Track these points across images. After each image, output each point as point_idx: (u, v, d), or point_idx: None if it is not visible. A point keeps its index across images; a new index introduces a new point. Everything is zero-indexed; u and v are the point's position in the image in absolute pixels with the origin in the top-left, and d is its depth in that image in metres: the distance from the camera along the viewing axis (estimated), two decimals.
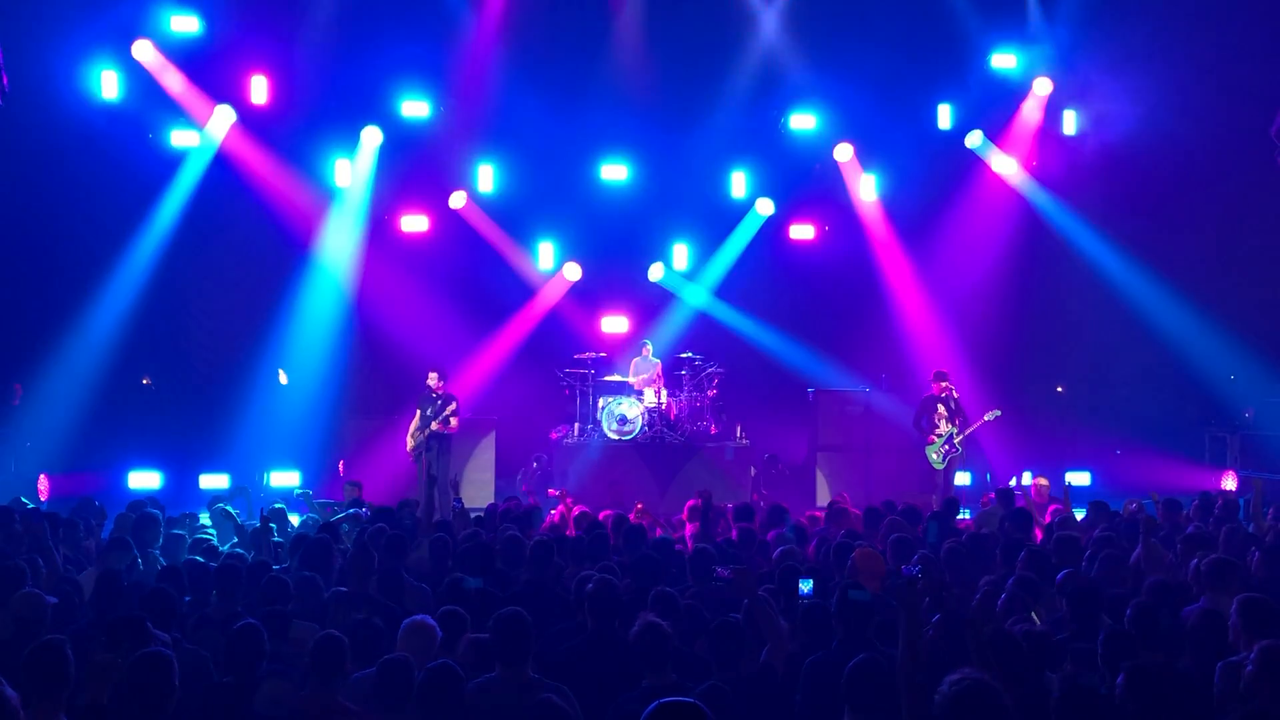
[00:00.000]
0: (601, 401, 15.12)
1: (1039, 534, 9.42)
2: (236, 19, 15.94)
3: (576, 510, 10.34)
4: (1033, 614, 6.13)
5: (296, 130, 16.21)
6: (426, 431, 13.65)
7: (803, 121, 17.27)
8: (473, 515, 9.83)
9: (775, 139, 17.46)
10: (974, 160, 17.37)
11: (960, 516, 11.04)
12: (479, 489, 14.61)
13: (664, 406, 15.17)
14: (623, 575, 6.90)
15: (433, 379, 13.83)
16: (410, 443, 13.85)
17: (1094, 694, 4.57)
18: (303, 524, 10.29)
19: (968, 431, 14.29)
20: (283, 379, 15.26)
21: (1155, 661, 4.95)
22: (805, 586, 6.26)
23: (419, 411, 13.86)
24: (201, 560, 7.55)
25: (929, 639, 5.62)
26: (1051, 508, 10.89)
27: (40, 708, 4.44)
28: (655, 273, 17.50)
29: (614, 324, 17.52)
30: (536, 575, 6.98)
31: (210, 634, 6.02)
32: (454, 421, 13.70)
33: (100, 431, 15.34)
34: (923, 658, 4.65)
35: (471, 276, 17.25)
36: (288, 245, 16.51)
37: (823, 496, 14.54)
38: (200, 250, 16.24)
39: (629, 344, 16.63)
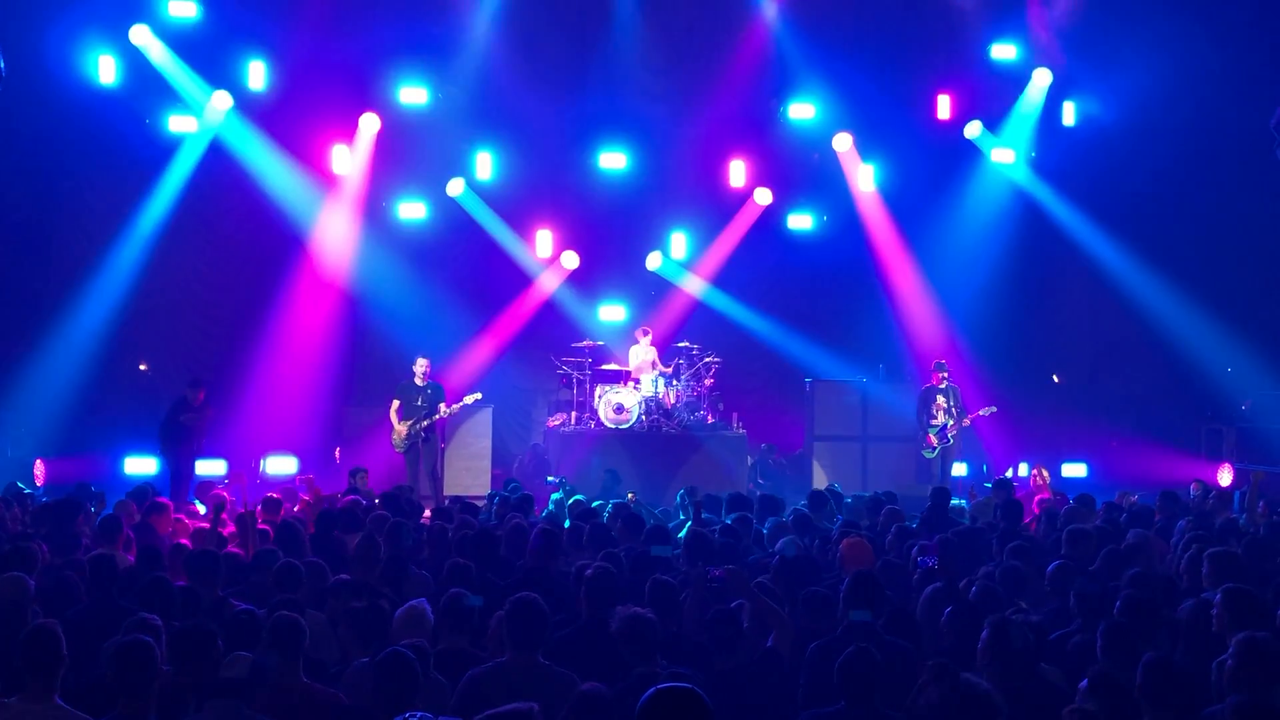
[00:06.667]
0: (599, 390, 15.10)
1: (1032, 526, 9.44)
2: (234, 4, 15.88)
3: None
4: (1020, 604, 6.14)
5: (294, 116, 16.14)
6: (425, 423, 13.47)
7: (802, 111, 17.23)
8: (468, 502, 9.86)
9: (774, 128, 17.43)
10: (973, 151, 17.35)
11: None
12: (475, 476, 14.59)
13: (661, 395, 15.16)
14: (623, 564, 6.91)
15: (423, 366, 13.64)
16: (404, 434, 13.49)
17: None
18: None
19: (962, 424, 14.29)
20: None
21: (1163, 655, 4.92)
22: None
23: (401, 402, 13.54)
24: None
25: (941, 629, 5.60)
26: (1038, 497, 10.90)
27: (34, 691, 4.50)
28: (653, 261, 17.46)
29: (612, 312, 17.49)
30: (535, 563, 6.97)
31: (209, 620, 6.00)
32: (444, 410, 13.64)
33: (96, 417, 15.30)
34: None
35: (469, 264, 17.19)
36: (285, 231, 16.45)
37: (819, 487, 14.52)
38: (197, 236, 16.22)
39: (627, 333, 16.61)
